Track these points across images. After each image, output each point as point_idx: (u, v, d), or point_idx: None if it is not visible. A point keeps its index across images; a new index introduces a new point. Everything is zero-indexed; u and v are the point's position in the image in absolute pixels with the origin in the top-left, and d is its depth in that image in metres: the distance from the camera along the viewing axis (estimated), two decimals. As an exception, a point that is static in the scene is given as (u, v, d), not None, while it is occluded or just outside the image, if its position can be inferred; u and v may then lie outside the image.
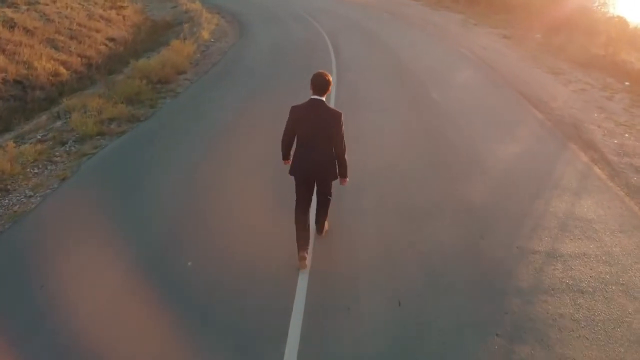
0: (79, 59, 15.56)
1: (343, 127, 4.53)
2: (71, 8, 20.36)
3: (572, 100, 9.75)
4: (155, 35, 22.27)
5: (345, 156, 4.63)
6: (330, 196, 4.97)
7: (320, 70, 4.63)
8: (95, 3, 22.49)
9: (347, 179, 4.77)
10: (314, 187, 4.80)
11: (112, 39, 18.77)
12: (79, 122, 8.59)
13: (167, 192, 6.38)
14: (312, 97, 4.53)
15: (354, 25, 19.83)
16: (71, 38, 16.87)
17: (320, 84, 4.49)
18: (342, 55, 13.69)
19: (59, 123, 9.31)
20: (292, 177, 4.77)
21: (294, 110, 4.60)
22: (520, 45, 15.69)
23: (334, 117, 4.50)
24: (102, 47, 17.53)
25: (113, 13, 22.24)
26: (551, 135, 7.88)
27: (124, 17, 22.81)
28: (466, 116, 8.59)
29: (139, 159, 7.51)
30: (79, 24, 18.46)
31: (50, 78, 13.48)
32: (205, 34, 18.99)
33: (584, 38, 16.14)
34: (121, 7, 23.28)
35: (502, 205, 5.69)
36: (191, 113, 9.78)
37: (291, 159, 4.77)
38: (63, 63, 14.62)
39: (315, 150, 4.54)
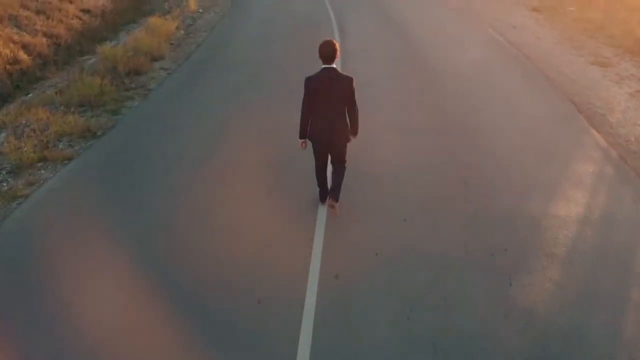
0: (45, 39, 13.51)
1: (355, 90, 4.87)
2: (42, -27, 18.09)
3: (633, 109, 7.82)
4: (139, 2, 20.02)
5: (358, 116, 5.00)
6: (345, 162, 5.23)
7: (326, 39, 4.91)
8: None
9: (356, 136, 5.13)
10: (328, 153, 5.17)
11: (87, 11, 16.60)
12: (13, 145, 6.78)
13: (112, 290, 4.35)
14: (323, 66, 4.85)
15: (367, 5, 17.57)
16: (38, 13, 14.74)
17: (328, 53, 4.81)
18: (349, 39, 11.62)
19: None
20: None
21: (309, 81, 4.88)
22: (553, 22, 13.51)
23: (348, 82, 4.86)
24: (75, 22, 15.40)
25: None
26: (623, 180, 5.95)
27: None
28: (512, 149, 6.45)
29: (83, 206, 5.73)
30: (49, -6, 16.26)
31: (8, 67, 11.55)
32: (193, 3, 16.79)
33: (624, 12, 13.94)
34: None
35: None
36: (162, 125, 7.93)
37: (310, 123, 5.03)
38: (25, 46, 12.61)
39: (330, 116, 4.91)
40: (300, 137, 5.10)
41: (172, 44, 12.74)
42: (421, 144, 6.66)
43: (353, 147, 5.28)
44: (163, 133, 7.52)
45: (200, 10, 16.55)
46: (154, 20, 12.80)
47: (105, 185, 6.05)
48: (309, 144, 5.12)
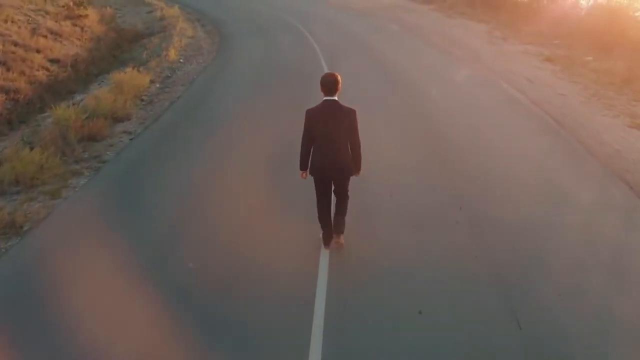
0: (1, 94, 11.93)
1: (357, 123, 4.73)
2: (12, 21, 16.72)
3: None
4: (118, 50, 18.67)
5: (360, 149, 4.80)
6: (348, 194, 4.98)
7: (328, 71, 5.06)
8: (47, 13, 18.80)
9: (360, 172, 4.91)
10: (332, 188, 4.90)
11: (55, 61, 15.11)
12: None
13: None
14: (325, 98, 4.74)
15: (356, 42, 16.22)
16: (-2, 64, 13.24)
17: (330, 85, 4.69)
18: (345, 98, 10.01)
19: None
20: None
21: (310, 113, 4.76)
22: (572, 75, 12.10)
23: (350, 115, 4.72)
24: (40, 74, 13.87)
25: (68, 24, 18.59)
26: None
27: (82, 28, 19.17)
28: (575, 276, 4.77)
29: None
30: (15, 44, 14.80)
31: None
32: (173, 53, 15.38)
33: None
34: (80, 16, 19.58)
35: None
36: (109, 216, 6.18)
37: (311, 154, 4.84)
38: (-28, 104, 11.02)
39: (333, 149, 4.73)
40: (301, 169, 4.95)
41: (142, 100, 11.17)
42: (442, 250, 4.95)
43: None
44: (109, 229, 5.76)
45: (181, 60, 15.11)
46: (118, 77, 11.16)
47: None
48: (310, 178, 4.92)
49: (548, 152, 7.52)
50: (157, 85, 12.40)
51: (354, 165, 4.84)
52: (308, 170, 4.88)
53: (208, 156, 7.80)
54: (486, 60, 13.29)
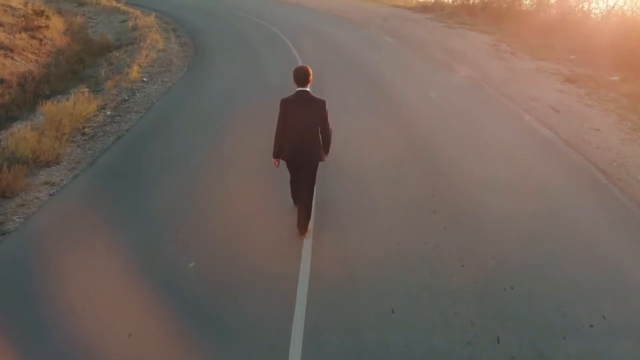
0: None
1: (327, 111, 5.07)
2: (-45, 34, 14.69)
3: None
4: (81, 65, 16.62)
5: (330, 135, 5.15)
6: (314, 181, 5.28)
7: (300, 65, 5.29)
8: (1, 24, 16.71)
9: (328, 154, 5.26)
10: (301, 170, 5.23)
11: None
12: None
13: None
14: (298, 89, 5.10)
15: (348, 58, 14.24)
16: None
17: (302, 77, 5.08)
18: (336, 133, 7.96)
19: None
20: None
21: (284, 102, 5.11)
22: (601, 100, 10.21)
23: (320, 104, 5.09)
24: (-26, 97, 11.83)
25: (24, 37, 16.52)
26: None
27: (41, 41, 17.10)
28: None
29: None
30: (-49, 61, 12.77)
31: None
32: (136, 70, 13.34)
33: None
34: (39, 27, 17.51)
35: None
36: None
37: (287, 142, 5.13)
38: None
39: (304, 135, 5.08)
40: (274, 156, 5.25)
41: (84, 134, 9.13)
42: None
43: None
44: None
45: (144, 79, 13.09)
46: (49, 108, 9.07)
47: None
48: (283, 163, 5.25)
49: (605, 227, 5.43)
50: (108, 113, 10.37)
51: (324, 149, 5.20)
52: (281, 155, 5.20)
53: (154, 217, 5.79)
54: (497, 81, 11.33)
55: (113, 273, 4.85)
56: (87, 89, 13.21)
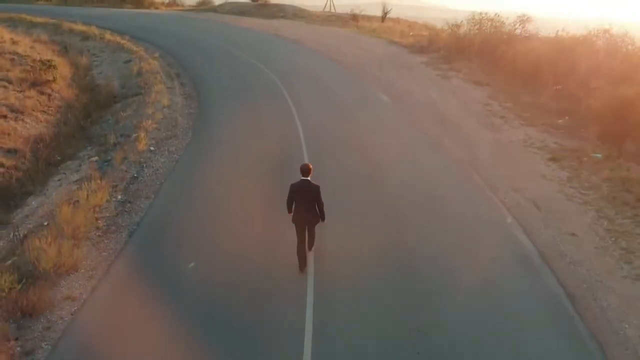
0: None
1: (321, 193, 7.73)
2: (-31, 99, 15.36)
3: None
4: (88, 119, 17.32)
5: (324, 209, 7.84)
6: (314, 234, 8.03)
7: (304, 163, 8.25)
8: (10, 82, 17.39)
9: (325, 221, 7.99)
10: (306, 230, 7.86)
11: (13, 151, 13.73)
12: None
13: None
14: (302, 178, 7.74)
15: (343, 121, 14.98)
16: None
17: (304, 171, 7.76)
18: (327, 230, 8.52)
19: None
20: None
21: (292, 186, 7.83)
22: (582, 186, 10.87)
23: (315, 189, 7.72)
24: (-9, 174, 12.49)
25: (33, 94, 17.20)
26: None
27: (49, 96, 17.79)
28: None
29: None
30: (-33, 134, 13.45)
31: None
32: (143, 140, 13.97)
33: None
34: (47, 81, 18.19)
35: None
36: None
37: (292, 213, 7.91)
38: None
39: (305, 208, 7.78)
40: (288, 212, 7.98)
41: (98, 227, 9.79)
42: None
43: None
44: None
45: (151, 148, 13.74)
46: (65, 212, 9.57)
47: None
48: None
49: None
50: (119, 197, 11.02)
51: (320, 217, 7.92)
52: (292, 219, 7.90)
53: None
54: (484, 163, 11.97)
55: None
56: (95, 158, 13.99)
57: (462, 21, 24.83)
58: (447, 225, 9.19)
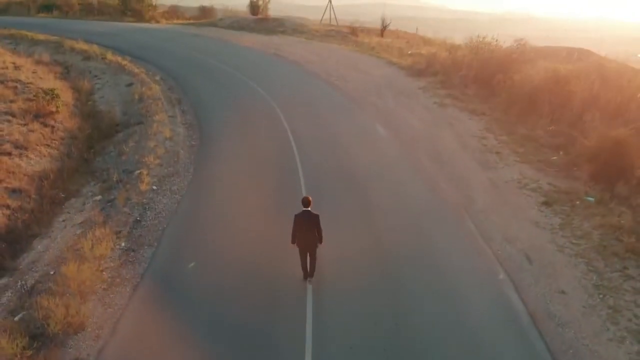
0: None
1: (320, 222, 9.28)
2: (-27, 136, 15.66)
3: None
4: (91, 151, 17.63)
5: (322, 234, 9.38)
6: (315, 257, 9.46)
7: (305, 195, 9.80)
8: (13, 115, 17.70)
9: (322, 243, 9.47)
10: (307, 253, 9.40)
11: (17, 191, 14.03)
12: None
13: None
14: (303, 209, 9.28)
15: (339, 158, 15.28)
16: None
17: (305, 203, 9.30)
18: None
19: None
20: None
21: (296, 217, 9.32)
22: (574, 235, 11.19)
23: (315, 217, 9.26)
24: (-3, 217, 12.78)
25: (36, 127, 17.52)
26: None
27: (52, 127, 18.10)
28: None
29: None
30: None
31: None
32: (146, 180, 14.27)
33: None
34: (50, 113, 18.50)
35: None
36: None
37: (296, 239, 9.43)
38: None
39: (307, 236, 9.28)
40: (292, 242, 9.46)
41: (103, 280, 10.10)
42: None
43: None
44: None
45: (154, 187, 14.04)
46: (71, 269, 9.85)
47: None
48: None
49: None
50: (122, 244, 11.34)
51: (319, 240, 9.39)
52: (296, 244, 9.37)
53: None
54: (478, 207, 12.28)
55: None
56: (99, 197, 14.28)
57: (460, 44, 25.11)
58: (440, 284, 9.48)
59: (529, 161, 15.12)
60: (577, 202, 12.63)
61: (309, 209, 9.21)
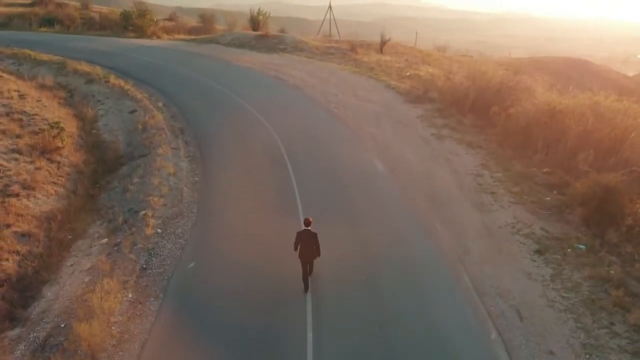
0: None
1: (319, 239, 11.29)
2: (-18, 178, 16.06)
3: None
4: (96, 187, 18.05)
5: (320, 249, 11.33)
6: (313, 266, 11.61)
7: (306, 217, 11.87)
8: (20, 153, 18.13)
9: (320, 255, 11.49)
10: (307, 264, 11.38)
11: (26, 235, 14.45)
12: None
13: None
14: (304, 228, 11.38)
15: (340, 204, 15.71)
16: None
17: (307, 223, 11.40)
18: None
19: None
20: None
21: (298, 234, 11.33)
22: (564, 286, 11.67)
23: (314, 235, 11.24)
24: (9, 264, 13.21)
25: (43, 164, 17.95)
26: None
27: (58, 163, 18.52)
28: None
29: None
30: (-18, 220, 14.15)
31: None
32: (151, 222, 14.71)
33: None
34: (57, 148, 18.92)
35: None
36: None
37: (298, 251, 11.32)
38: None
39: (307, 250, 11.22)
40: (295, 250, 11.33)
41: (112, 335, 10.55)
42: None
43: None
44: None
45: (158, 231, 14.48)
46: (84, 330, 10.25)
47: None
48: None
49: None
50: (129, 296, 11.78)
51: (317, 254, 11.36)
52: (298, 256, 11.25)
53: None
54: (474, 258, 12.73)
55: None
56: (105, 240, 14.72)
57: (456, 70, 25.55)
58: (433, 343, 9.93)
59: (523, 202, 15.56)
60: (569, 250, 13.07)
61: (309, 228, 11.31)
